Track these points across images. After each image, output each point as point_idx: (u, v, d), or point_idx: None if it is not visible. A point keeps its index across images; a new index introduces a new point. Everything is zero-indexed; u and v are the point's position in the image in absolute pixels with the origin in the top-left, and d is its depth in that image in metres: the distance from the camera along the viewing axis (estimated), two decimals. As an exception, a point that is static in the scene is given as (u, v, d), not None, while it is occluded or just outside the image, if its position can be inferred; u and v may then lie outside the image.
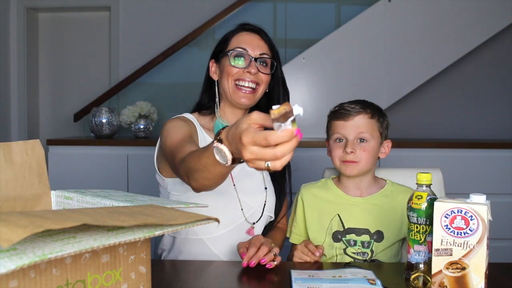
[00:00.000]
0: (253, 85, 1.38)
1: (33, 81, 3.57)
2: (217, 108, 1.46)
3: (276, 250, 1.21)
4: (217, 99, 1.46)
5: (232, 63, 1.37)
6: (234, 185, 1.42)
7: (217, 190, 1.33)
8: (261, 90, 1.41)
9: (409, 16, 3.02)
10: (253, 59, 1.37)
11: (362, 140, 1.36)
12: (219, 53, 1.44)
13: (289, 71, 2.94)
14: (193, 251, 1.40)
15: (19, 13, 3.44)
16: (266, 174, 1.50)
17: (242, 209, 1.41)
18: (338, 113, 1.39)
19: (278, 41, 3.35)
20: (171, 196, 1.42)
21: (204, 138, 1.42)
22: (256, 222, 1.44)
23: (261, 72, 1.39)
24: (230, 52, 1.38)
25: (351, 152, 1.35)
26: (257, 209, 1.44)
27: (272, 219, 1.50)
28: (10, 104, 3.46)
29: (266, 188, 1.47)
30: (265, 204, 1.46)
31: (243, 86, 1.38)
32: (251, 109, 1.44)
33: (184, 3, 3.41)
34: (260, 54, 1.39)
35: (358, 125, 1.36)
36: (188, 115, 1.46)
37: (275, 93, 1.46)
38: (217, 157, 0.89)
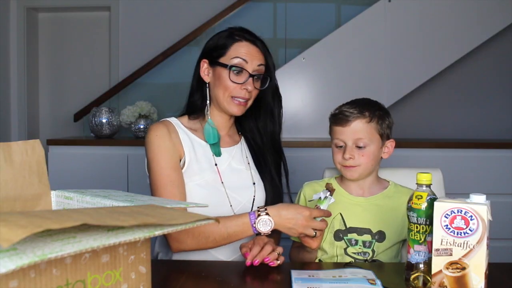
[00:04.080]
0: (246, 100, 1.44)
1: (33, 81, 3.57)
2: (207, 111, 1.48)
3: (279, 249, 1.22)
4: (208, 102, 1.48)
5: (232, 79, 1.41)
6: (221, 181, 1.43)
7: (204, 186, 1.38)
8: (251, 101, 1.46)
9: (409, 16, 3.02)
10: (250, 76, 1.41)
11: (360, 147, 1.36)
12: (216, 57, 1.44)
13: (289, 71, 2.95)
14: None
15: (19, 13, 3.44)
16: (254, 171, 1.51)
17: (231, 205, 1.42)
18: (337, 118, 1.39)
19: (278, 41, 3.35)
20: None
21: (189, 139, 1.44)
22: None
23: (255, 87, 1.44)
24: (230, 66, 1.41)
25: (350, 158, 1.35)
26: (246, 204, 1.45)
27: None
28: (10, 104, 3.46)
29: (254, 184, 1.48)
30: (254, 199, 1.46)
31: (237, 99, 1.43)
32: None
33: (184, 3, 3.41)
34: (258, 65, 1.43)
35: (356, 130, 1.36)
36: (173, 120, 1.47)
37: (268, 100, 1.51)
38: (259, 226, 1.26)
